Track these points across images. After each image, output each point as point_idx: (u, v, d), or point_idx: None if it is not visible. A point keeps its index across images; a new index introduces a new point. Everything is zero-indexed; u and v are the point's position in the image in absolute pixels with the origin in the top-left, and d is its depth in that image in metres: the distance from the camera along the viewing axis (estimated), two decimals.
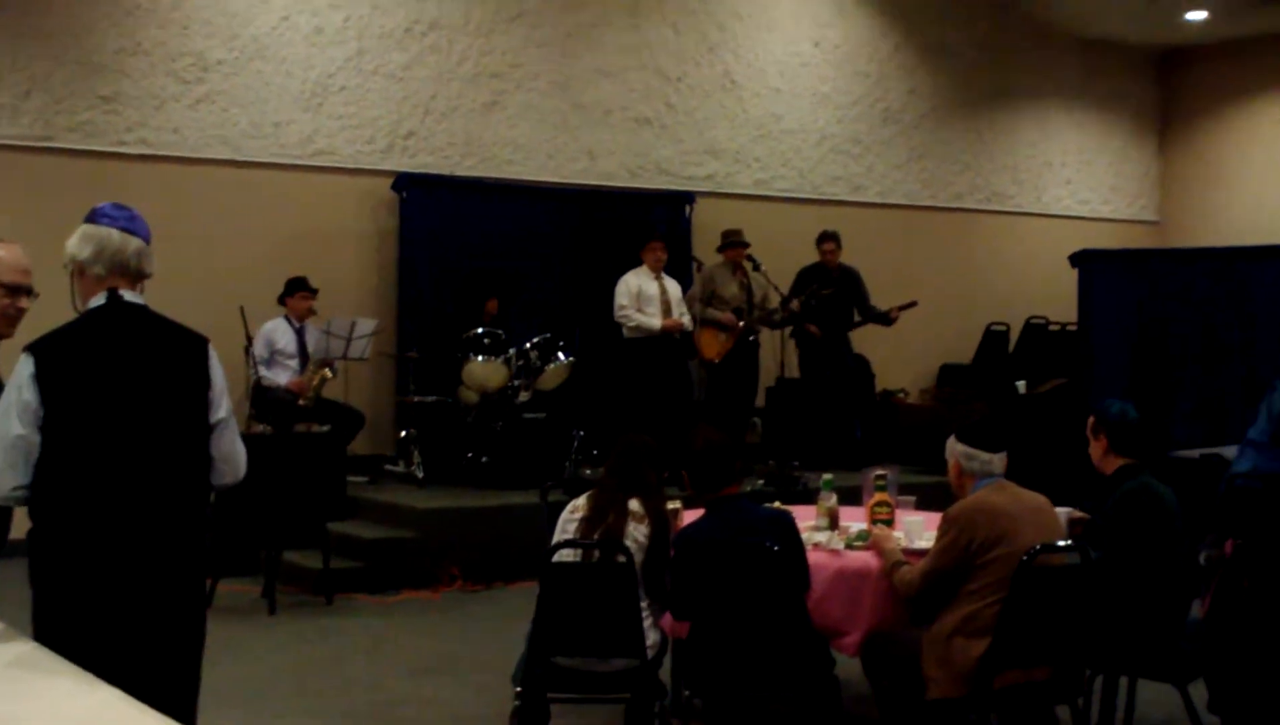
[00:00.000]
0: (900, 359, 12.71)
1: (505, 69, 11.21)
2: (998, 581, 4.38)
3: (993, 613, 4.37)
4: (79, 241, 3.53)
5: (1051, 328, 13.18)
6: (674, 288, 10.29)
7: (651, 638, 4.67)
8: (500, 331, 9.70)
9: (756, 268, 10.35)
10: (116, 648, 3.32)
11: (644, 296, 10.07)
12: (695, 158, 12.18)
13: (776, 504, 5.23)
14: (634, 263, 10.24)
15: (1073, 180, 14.70)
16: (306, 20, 10.44)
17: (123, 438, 3.42)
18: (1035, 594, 4.35)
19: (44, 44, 9.56)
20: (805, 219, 12.01)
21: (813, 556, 4.74)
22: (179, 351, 3.59)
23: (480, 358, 9.52)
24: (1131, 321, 11.26)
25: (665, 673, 4.97)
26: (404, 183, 10.65)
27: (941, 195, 13.71)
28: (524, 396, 9.77)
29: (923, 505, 5.46)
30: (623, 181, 11.76)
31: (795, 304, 10.49)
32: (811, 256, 11.11)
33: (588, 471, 9.15)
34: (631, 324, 10.07)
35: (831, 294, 10.78)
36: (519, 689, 4.73)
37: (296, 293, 9.50)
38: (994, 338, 13.38)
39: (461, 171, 11.01)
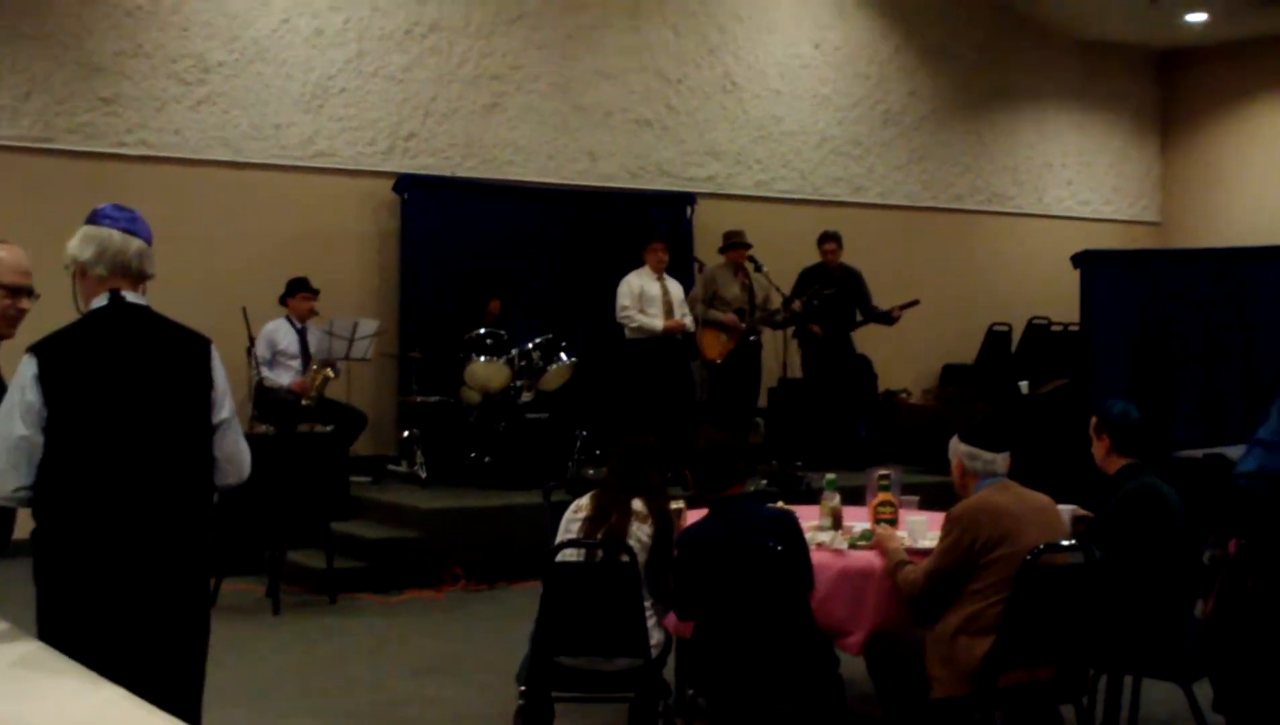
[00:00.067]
0: (903, 359, 12.71)
1: (506, 71, 11.22)
2: (1001, 581, 4.38)
3: (996, 612, 4.37)
4: (80, 243, 3.53)
5: (1054, 328, 13.18)
6: (676, 289, 10.29)
7: (655, 637, 4.67)
8: (502, 332, 9.70)
9: (758, 269, 10.35)
10: (121, 647, 3.32)
11: (646, 297, 10.07)
12: (696, 159, 12.18)
13: (780, 504, 5.23)
14: (635, 264, 10.24)
15: (1074, 181, 14.71)
16: (307, 22, 10.44)
17: (126, 438, 3.42)
18: (1039, 593, 4.35)
19: (44, 45, 9.56)
20: (806, 220, 12.01)
21: (816, 556, 4.74)
22: (181, 352, 3.58)
23: (482, 358, 9.53)
24: (1133, 322, 11.27)
25: (669, 672, 4.97)
26: (405, 184, 10.65)
27: (942, 196, 13.71)
28: (526, 397, 9.77)
29: (926, 505, 5.46)
30: (623, 183, 11.76)
31: (797, 304, 10.49)
32: (812, 257, 11.12)
33: (590, 472, 9.15)
34: (634, 325, 10.07)
35: (833, 294, 10.78)
36: (523, 688, 4.73)
37: (298, 293, 9.51)
38: (996, 338, 13.38)
39: (462, 173, 11.01)
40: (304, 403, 9.23)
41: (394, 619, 7.70)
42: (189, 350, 3.60)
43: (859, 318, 11.17)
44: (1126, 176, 15.13)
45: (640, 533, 4.69)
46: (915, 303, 11.03)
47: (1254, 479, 4.95)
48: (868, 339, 11.59)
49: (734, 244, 10.40)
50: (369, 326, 9.63)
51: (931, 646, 4.48)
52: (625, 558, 4.53)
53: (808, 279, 10.95)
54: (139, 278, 3.58)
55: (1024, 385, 11.67)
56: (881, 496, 5.22)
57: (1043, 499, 4.68)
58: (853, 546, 4.93)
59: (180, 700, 3.32)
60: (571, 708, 5.01)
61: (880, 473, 5.33)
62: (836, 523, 5.21)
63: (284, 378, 9.34)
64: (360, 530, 8.78)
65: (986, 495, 4.56)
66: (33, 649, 3.09)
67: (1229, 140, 14.91)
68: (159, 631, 3.43)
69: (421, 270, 10.68)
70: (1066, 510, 5.10)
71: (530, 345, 9.76)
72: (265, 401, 8.93)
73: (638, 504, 4.75)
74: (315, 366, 9.37)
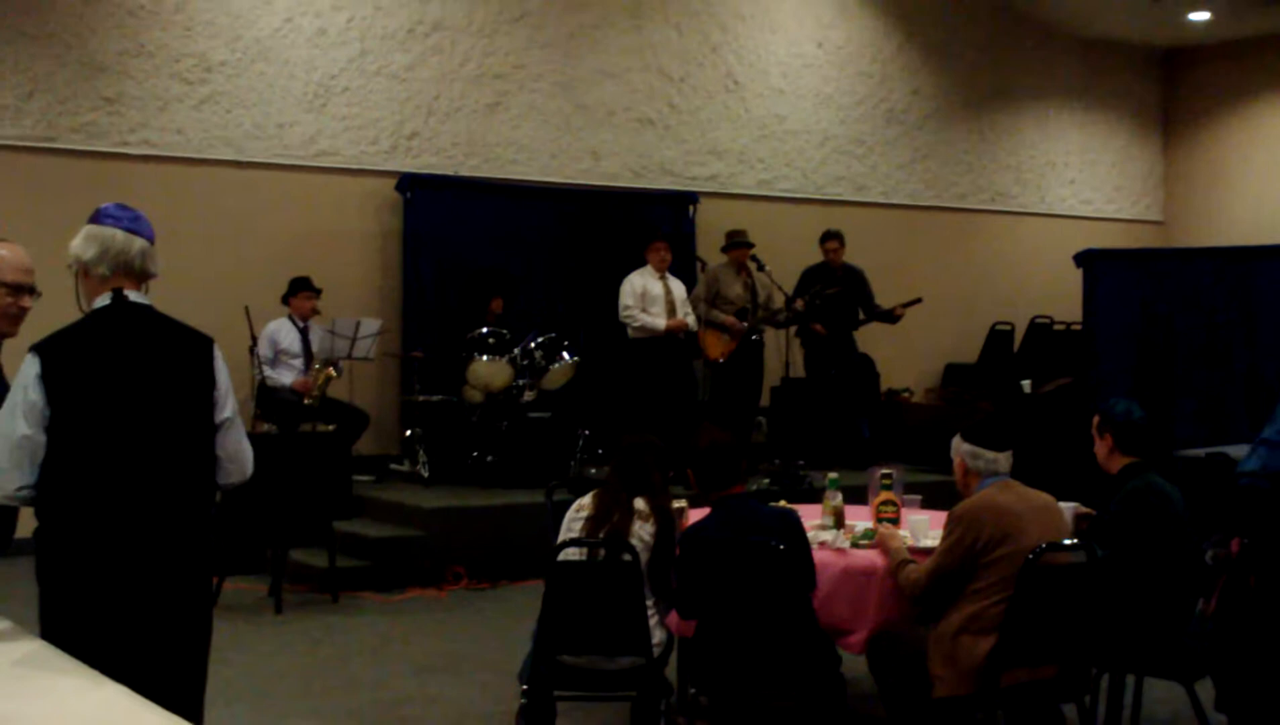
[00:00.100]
0: (905, 358, 12.70)
1: (508, 70, 11.22)
2: (1003, 580, 4.38)
3: (998, 611, 4.37)
4: (83, 242, 3.53)
5: (1056, 327, 13.18)
6: (678, 288, 10.29)
7: (657, 636, 4.67)
8: (505, 331, 9.70)
9: (761, 268, 10.35)
10: (123, 646, 3.33)
11: (649, 297, 10.07)
12: (698, 158, 12.18)
13: (782, 503, 5.23)
14: (638, 263, 10.24)
15: (1076, 180, 14.70)
16: (310, 21, 10.45)
17: (128, 437, 3.42)
18: (1041, 592, 4.35)
19: (47, 45, 9.57)
20: (809, 219, 12.02)
21: (818, 555, 4.75)
22: (184, 351, 3.59)
23: (485, 357, 9.53)
24: (1135, 321, 11.26)
25: (671, 671, 4.97)
26: (408, 183, 10.65)
27: (945, 195, 13.70)
28: (529, 396, 9.78)
29: (928, 504, 5.46)
30: (626, 182, 11.77)
31: (799, 303, 10.49)
32: (815, 256, 11.12)
33: (592, 471, 9.14)
34: (636, 324, 10.07)
35: (836, 293, 10.78)
36: (525, 687, 4.73)
37: (300, 293, 9.51)
38: (999, 337, 13.38)
39: (465, 172, 11.01)
40: (306, 402, 9.23)
41: (396, 618, 7.70)
42: (192, 349, 3.60)
43: (861, 317, 11.17)
44: (1129, 175, 15.13)
45: (642, 532, 4.69)
46: (917, 301, 11.04)
47: (1256, 478, 4.95)
48: (870, 338, 11.59)
49: (736, 243, 10.39)
50: (371, 326, 9.64)
51: (933, 645, 4.48)
52: (627, 557, 4.53)
53: (810, 278, 10.95)
54: (142, 277, 3.58)
55: (1026, 384, 11.66)
56: (884, 495, 5.21)
57: (1045, 498, 4.68)
58: (855, 545, 4.93)
59: (182, 699, 3.32)
60: (573, 706, 5.02)
61: (882, 472, 5.33)
62: (839, 522, 5.21)
63: (286, 377, 9.35)
64: (363, 529, 8.79)
65: (989, 494, 4.56)
66: (35, 648, 3.10)
67: (1232, 139, 14.90)
68: (161, 630, 3.44)
69: (424, 269, 10.68)
70: (1068, 507, 5.11)
71: (533, 344, 9.77)
72: (268, 401, 8.94)
73: (640, 503, 4.75)
74: (318, 366, 9.38)
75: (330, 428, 9.08)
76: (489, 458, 9.56)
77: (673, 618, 4.78)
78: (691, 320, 10.20)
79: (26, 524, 3.50)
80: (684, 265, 11.03)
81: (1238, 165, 14.79)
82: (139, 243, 3.55)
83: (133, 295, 3.54)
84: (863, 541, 4.95)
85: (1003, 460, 4.66)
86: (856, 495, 5.68)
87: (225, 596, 7.63)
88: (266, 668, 6.53)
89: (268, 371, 9.13)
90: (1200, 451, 7.93)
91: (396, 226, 10.75)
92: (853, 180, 13.08)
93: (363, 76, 10.65)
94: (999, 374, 12.59)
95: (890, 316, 11.08)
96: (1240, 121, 14.81)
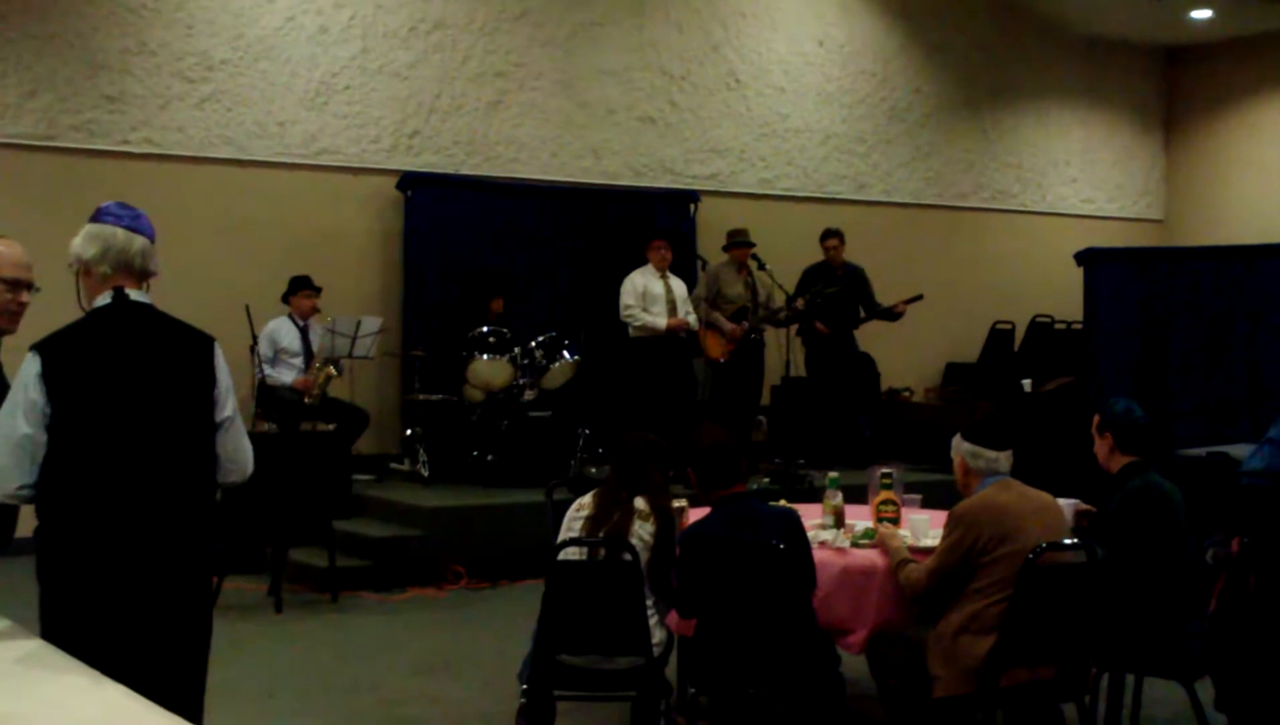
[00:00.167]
0: (906, 357, 12.70)
1: (509, 68, 11.22)
2: (1003, 580, 4.38)
3: (998, 611, 4.37)
4: (84, 241, 3.53)
5: (1057, 326, 13.17)
6: (679, 287, 10.28)
7: (657, 636, 4.67)
8: (505, 330, 9.70)
9: (761, 267, 10.35)
10: (123, 645, 3.33)
11: (649, 296, 10.07)
12: (700, 156, 12.18)
13: (782, 502, 5.23)
14: (639, 262, 10.24)
15: (1078, 179, 14.70)
16: (311, 20, 10.45)
17: (129, 436, 3.42)
18: (1041, 592, 4.35)
19: (49, 44, 9.57)
20: (810, 218, 12.01)
21: (818, 554, 4.74)
22: (185, 350, 3.59)
23: (485, 356, 9.53)
24: (1136, 320, 11.26)
25: (671, 671, 4.97)
26: (409, 182, 10.65)
27: (947, 194, 13.70)
28: (529, 395, 9.78)
29: (928, 503, 5.46)
30: (627, 180, 11.76)
31: (800, 302, 10.48)
32: (816, 255, 11.12)
33: (593, 470, 9.14)
34: (637, 323, 10.07)
35: (837, 292, 10.78)
36: (525, 687, 4.74)
37: (300, 291, 9.51)
38: (999, 336, 13.37)
39: (466, 170, 11.01)
40: (307, 401, 9.23)
41: (396, 617, 7.70)
42: (192, 348, 3.60)
43: (862, 315, 11.16)
44: (1130, 174, 15.12)
45: (642, 531, 4.69)
46: (918, 298, 11.03)
47: (1256, 478, 4.95)
48: (871, 337, 11.58)
49: (737, 242, 10.39)
50: (372, 324, 9.63)
51: (933, 645, 4.48)
52: (627, 556, 4.53)
53: (811, 277, 10.95)
54: (142, 275, 3.58)
55: (1027, 383, 11.66)
56: (884, 495, 5.21)
57: (1045, 498, 4.68)
58: (855, 545, 4.93)
59: (182, 699, 3.33)
60: (573, 706, 5.01)
61: (883, 471, 5.33)
62: (839, 521, 5.21)
63: (287, 376, 9.35)
64: (363, 529, 8.79)
65: (989, 494, 4.56)
66: (35, 647, 3.10)
67: (1233, 137, 14.89)
68: (161, 630, 3.44)
69: (425, 268, 10.68)
70: (1069, 504, 5.11)
71: (533, 343, 9.77)
72: (268, 400, 8.93)
73: (640, 502, 4.75)
74: (318, 365, 9.38)
75: (330, 427, 9.07)
76: (489, 457, 9.56)
77: (672, 617, 4.78)
78: (692, 319, 10.20)
79: (27, 523, 3.50)
80: (685, 264, 11.02)
81: (1239, 164, 14.78)
82: (140, 241, 3.55)
83: (133, 294, 3.54)
84: (863, 541, 4.95)
85: (1003, 460, 4.66)
86: (857, 494, 5.68)
87: (225, 596, 7.63)
88: (266, 667, 6.53)
89: (268, 370, 9.13)
90: (1200, 451, 7.93)
91: (397, 225, 10.75)
92: (854, 179, 13.07)
93: (364, 75, 10.65)
94: (999, 373, 12.59)
95: (891, 314, 11.08)
96: (1242, 120, 14.81)
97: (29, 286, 3.70)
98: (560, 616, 4.58)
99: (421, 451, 9.70)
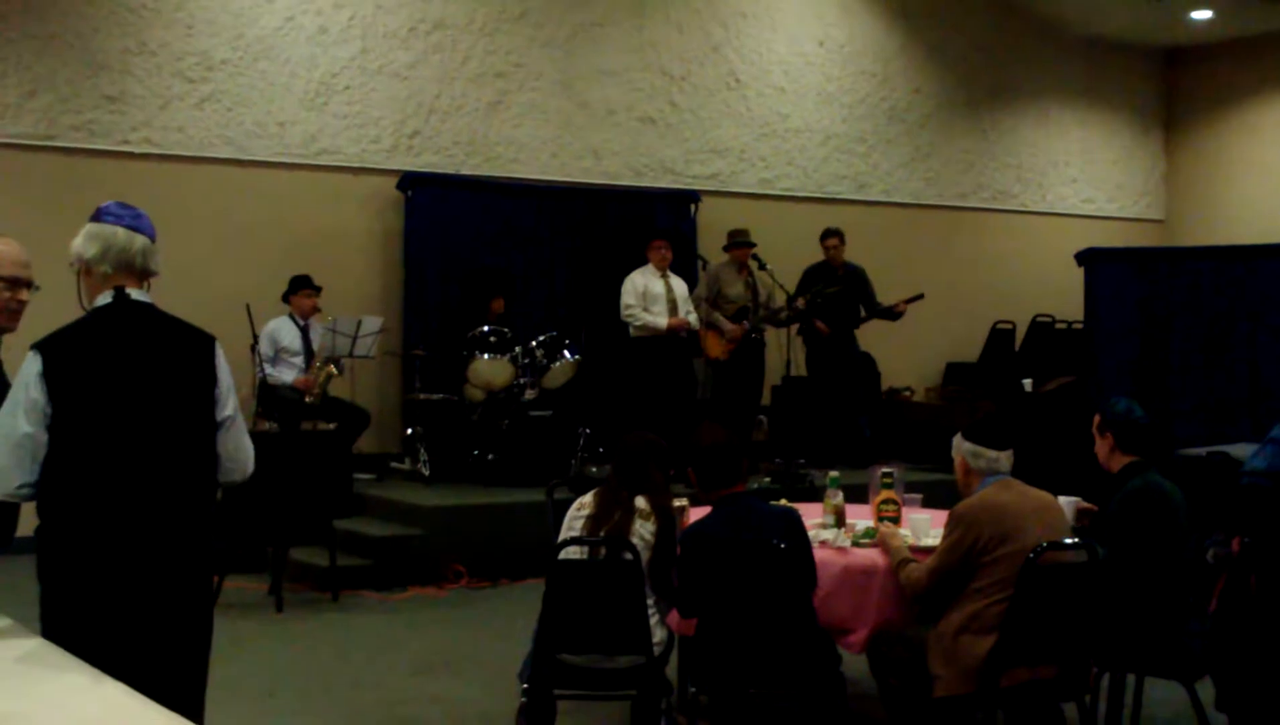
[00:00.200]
0: (906, 357, 12.71)
1: (509, 68, 11.22)
2: (1004, 579, 4.38)
3: (999, 610, 4.37)
4: (85, 240, 3.53)
5: (1057, 326, 13.18)
6: (680, 286, 10.28)
7: (658, 635, 4.67)
8: (506, 330, 9.70)
9: (762, 267, 10.34)
10: (124, 644, 3.33)
11: (650, 295, 10.07)
12: (700, 157, 12.18)
13: (783, 501, 5.23)
14: (639, 262, 10.24)
15: (1078, 179, 14.70)
16: (311, 20, 10.45)
17: (130, 435, 3.42)
18: (1041, 592, 4.35)
19: (49, 43, 9.57)
20: (810, 218, 12.01)
21: (819, 554, 4.74)
22: (186, 349, 3.59)
23: (486, 356, 9.53)
24: (1137, 320, 11.27)
25: (671, 670, 4.97)
26: (409, 182, 10.66)
27: (947, 194, 13.70)
28: (530, 394, 9.78)
29: (929, 503, 5.46)
30: (627, 181, 11.76)
31: (800, 302, 10.49)
32: (817, 255, 11.12)
33: (593, 469, 9.14)
34: (638, 323, 10.07)
35: (837, 292, 10.78)
36: (525, 686, 4.74)
37: (300, 291, 9.51)
38: (1000, 336, 13.37)
39: (466, 171, 11.01)
40: (307, 400, 9.23)
41: (397, 616, 7.70)
42: (193, 347, 3.60)
43: (863, 315, 11.16)
44: (1130, 174, 15.12)
45: (643, 530, 4.69)
46: (919, 297, 11.03)
47: (1258, 477, 4.95)
48: (871, 336, 11.58)
49: (738, 242, 10.38)
50: (373, 324, 9.63)
51: (934, 644, 4.48)
52: (628, 556, 4.53)
53: (811, 277, 10.94)
54: (143, 275, 3.58)
55: (1027, 383, 11.66)
56: (884, 494, 5.21)
57: (1046, 497, 4.68)
58: (855, 544, 4.93)
59: (183, 697, 3.33)
60: (574, 705, 5.01)
61: (883, 470, 5.33)
62: (839, 520, 5.21)
63: (287, 375, 9.35)
64: (363, 528, 8.79)
65: (989, 494, 4.56)
66: (35, 646, 3.10)
67: (1233, 138, 14.89)
68: (162, 629, 3.44)
69: (425, 268, 10.68)
70: (1070, 502, 5.11)
71: (534, 343, 9.77)
72: (269, 399, 8.93)
73: (641, 502, 4.75)
74: (319, 364, 9.38)
75: (331, 426, 9.06)
76: (490, 456, 9.56)
77: (673, 617, 4.78)
78: (693, 319, 10.20)
79: (27, 522, 3.51)
80: (685, 264, 11.03)
81: (1239, 164, 14.79)
82: (140, 241, 3.55)
83: (134, 293, 3.54)
84: (863, 540, 4.95)
85: (1004, 459, 4.66)
86: (857, 494, 5.68)
87: (226, 595, 7.63)
88: (267, 666, 6.53)
89: (269, 370, 9.13)
90: (1201, 450, 7.94)
91: (398, 225, 10.75)
92: (854, 179, 13.07)
93: (364, 75, 10.65)
94: (1000, 373, 12.59)
95: (892, 313, 11.08)
96: (1242, 120, 14.81)
97: (28, 285, 3.70)
98: (561, 616, 4.58)
99: (422, 451, 9.71)
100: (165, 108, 9.94)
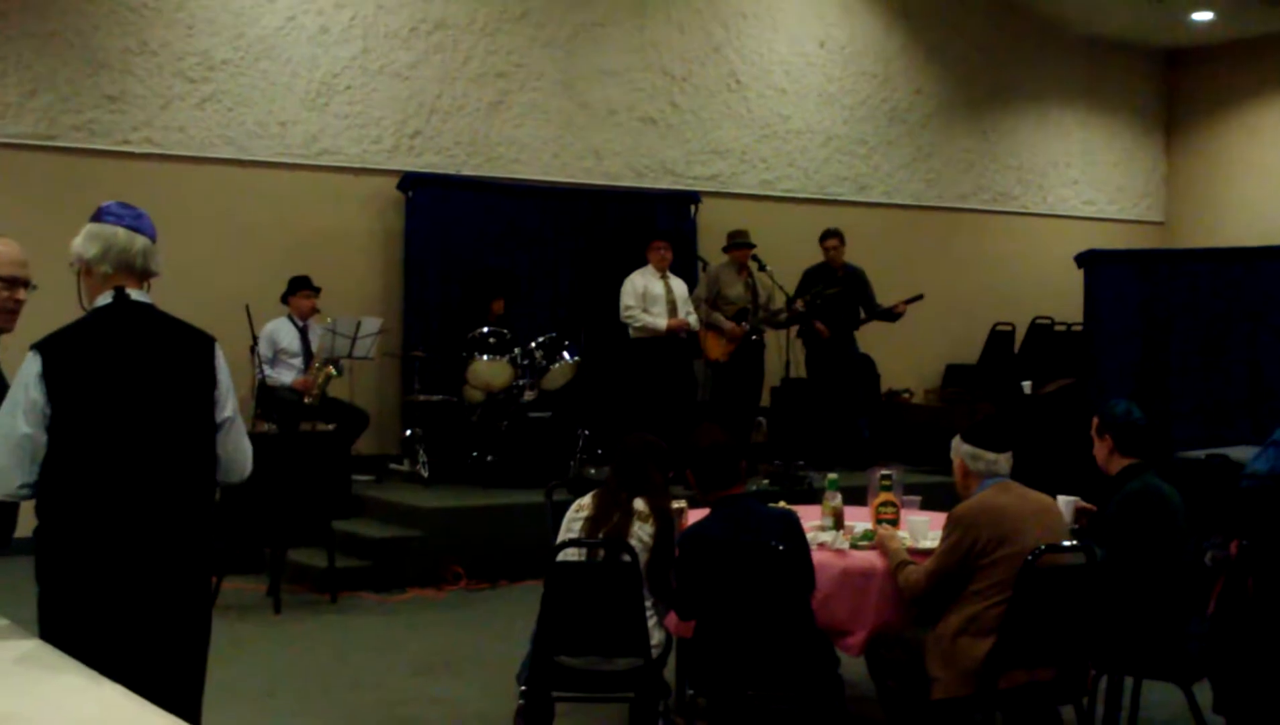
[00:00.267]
0: (906, 359, 12.70)
1: (510, 68, 11.22)
2: (1002, 582, 4.38)
3: (997, 613, 4.37)
4: (85, 240, 3.53)
5: (1057, 328, 13.17)
6: (680, 287, 10.28)
7: (656, 637, 4.67)
8: (505, 331, 9.70)
9: (762, 268, 10.34)
10: (122, 645, 3.33)
11: (650, 296, 10.07)
12: (701, 157, 12.18)
13: (782, 503, 5.23)
14: (639, 263, 10.24)
15: (1078, 181, 14.70)
16: (312, 20, 10.45)
17: (129, 436, 3.42)
18: (1039, 594, 4.35)
19: (49, 43, 9.57)
20: (810, 219, 12.00)
21: (818, 556, 4.74)
22: (186, 350, 3.59)
23: (485, 357, 9.53)
24: (1137, 322, 11.27)
25: (669, 672, 4.97)
26: (409, 182, 10.65)
27: (947, 195, 13.70)
28: (529, 396, 9.78)
29: (928, 505, 5.46)
30: (628, 181, 11.76)
31: (800, 304, 10.49)
32: (817, 256, 11.11)
33: (592, 471, 9.15)
34: (637, 324, 10.07)
35: (837, 293, 10.78)
36: (523, 688, 4.74)
37: (299, 292, 9.51)
38: (1000, 338, 13.37)
39: (467, 171, 11.01)
40: (306, 401, 9.23)
41: (395, 618, 7.70)
42: (193, 348, 3.60)
43: (862, 316, 11.16)
44: (1131, 176, 15.12)
45: (642, 532, 4.69)
46: (919, 298, 11.02)
47: (1259, 480, 4.95)
48: (871, 338, 11.58)
49: (738, 243, 10.38)
50: (372, 325, 9.63)
51: (932, 647, 4.48)
52: (627, 557, 4.53)
53: (811, 278, 10.94)
54: (144, 275, 3.58)
55: (1027, 385, 11.66)
56: (883, 496, 5.21)
57: (1044, 499, 4.68)
58: (854, 546, 4.93)
59: (181, 699, 3.33)
60: (572, 707, 5.02)
61: (882, 472, 5.33)
62: (838, 522, 5.21)
63: (286, 376, 9.35)
64: (362, 529, 8.79)
65: (988, 496, 4.56)
66: (33, 647, 3.10)
67: (1234, 140, 14.89)
68: (160, 630, 3.44)
69: (425, 269, 10.68)
70: (1069, 501, 5.12)
71: (533, 344, 9.77)
72: (268, 400, 8.93)
73: (639, 503, 4.75)
74: (318, 365, 9.38)
75: (330, 427, 9.07)
76: (489, 458, 9.56)
77: (671, 618, 4.78)
78: (693, 320, 10.20)
79: (26, 523, 3.51)
80: (685, 265, 11.03)
81: (1240, 166, 14.79)
82: (141, 241, 3.55)
83: (134, 294, 3.54)
84: (862, 542, 4.95)
85: (1003, 461, 4.66)
86: (856, 496, 5.68)
87: (224, 596, 7.63)
88: (265, 667, 6.53)
89: (268, 371, 9.13)
90: (1200, 453, 7.94)
91: (398, 226, 10.75)
92: (855, 180, 13.08)
93: (365, 75, 10.65)
94: (999, 375, 12.59)
95: (891, 314, 11.08)
96: (1242, 122, 14.81)
97: (25, 284, 3.70)
98: (559, 617, 4.58)
99: (421, 452, 9.71)
100: (166, 107, 9.94)
